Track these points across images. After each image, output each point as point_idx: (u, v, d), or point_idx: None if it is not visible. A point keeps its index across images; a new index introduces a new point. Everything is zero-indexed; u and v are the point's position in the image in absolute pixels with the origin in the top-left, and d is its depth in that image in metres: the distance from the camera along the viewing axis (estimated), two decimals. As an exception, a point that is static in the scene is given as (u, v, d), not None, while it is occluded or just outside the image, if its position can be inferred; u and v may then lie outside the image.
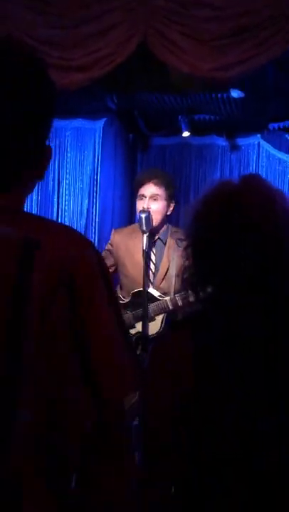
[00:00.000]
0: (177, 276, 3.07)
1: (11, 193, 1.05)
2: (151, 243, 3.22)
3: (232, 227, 1.24)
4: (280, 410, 1.21)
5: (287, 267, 1.24)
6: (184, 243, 1.35)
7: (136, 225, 3.39)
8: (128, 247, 3.30)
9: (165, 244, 3.27)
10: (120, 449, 1.02)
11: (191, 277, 1.33)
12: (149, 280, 3.20)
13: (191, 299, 2.94)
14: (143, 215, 3.08)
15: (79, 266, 0.99)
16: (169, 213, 3.30)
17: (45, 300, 0.96)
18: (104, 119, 4.69)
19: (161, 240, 3.29)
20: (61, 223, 1.13)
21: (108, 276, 1.06)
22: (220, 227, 1.26)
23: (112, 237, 3.45)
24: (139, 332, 3.14)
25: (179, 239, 3.07)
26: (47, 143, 1.09)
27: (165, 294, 3.19)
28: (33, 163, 1.07)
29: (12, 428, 0.97)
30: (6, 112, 1.00)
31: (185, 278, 1.35)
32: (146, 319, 3.02)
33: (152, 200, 3.21)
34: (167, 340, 1.34)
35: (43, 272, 0.96)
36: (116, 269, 3.37)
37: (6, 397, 0.96)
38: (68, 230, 1.07)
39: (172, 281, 3.14)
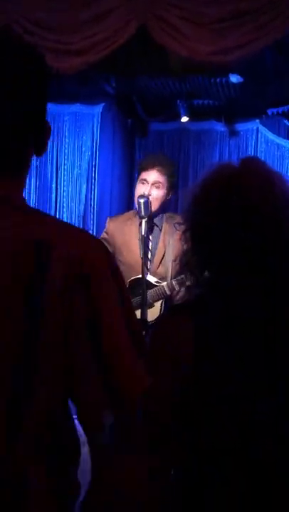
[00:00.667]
0: (174, 261, 3.06)
1: (12, 181, 1.05)
2: (148, 229, 3.19)
3: (231, 210, 1.24)
4: (279, 392, 1.22)
5: (287, 248, 1.24)
6: (182, 227, 1.34)
7: (131, 213, 3.40)
8: (124, 234, 3.28)
9: (161, 229, 3.26)
10: (135, 446, 1.03)
11: (189, 261, 1.34)
12: (146, 266, 3.17)
13: (188, 283, 2.93)
14: (142, 201, 3.06)
15: (92, 264, 1.00)
16: (166, 202, 3.30)
17: (64, 296, 0.97)
18: (103, 104, 4.67)
19: (157, 226, 3.27)
20: (72, 225, 1.13)
21: (119, 275, 1.06)
22: (219, 210, 1.26)
23: (107, 225, 3.43)
24: (138, 319, 3.10)
25: (177, 223, 3.03)
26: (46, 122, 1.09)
27: (162, 279, 3.19)
28: (33, 144, 1.08)
29: (24, 421, 0.97)
30: (6, 101, 1.01)
31: (183, 262, 1.35)
32: (145, 306, 3.01)
33: (154, 187, 3.19)
34: (167, 324, 1.35)
35: (59, 271, 0.97)
36: None
37: (19, 395, 0.97)
38: (79, 231, 1.08)
39: (169, 266, 3.14)
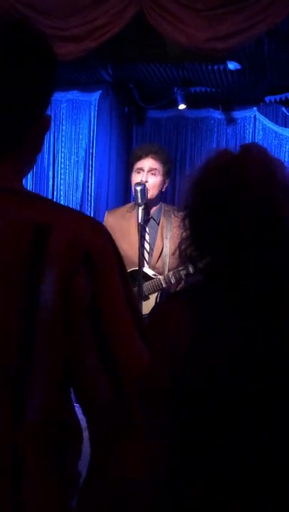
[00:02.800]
0: (172, 255, 3.07)
1: (9, 165, 1.04)
2: (145, 222, 3.19)
3: (229, 197, 1.24)
4: (276, 373, 1.22)
5: (284, 235, 1.24)
6: (181, 214, 1.34)
7: (129, 205, 3.39)
8: (122, 228, 3.25)
9: (158, 223, 3.24)
10: (135, 429, 1.01)
11: (188, 248, 1.33)
12: (145, 260, 3.18)
13: (183, 272, 2.88)
14: (138, 188, 3.05)
15: (95, 247, 0.99)
16: (163, 190, 3.29)
17: (65, 281, 0.96)
18: (100, 92, 4.65)
19: (155, 220, 3.26)
20: (72, 208, 1.12)
21: (121, 260, 1.04)
22: (216, 197, 1.25)
23: (105, 219, 3.42)
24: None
25: (176, 209, 3.08)
26: (46, 113, 1.08)
27: (160, 273, 3.18)
28: (32, 133, 1.06)
29: (27, 404, 0.97)
30: (10, 83, 1.00)
31: (182, 249, 1.34)
32: (140, 298, 3.00)
33: (150, 174, 3.19)
34: (164, 310, 1.35)
35: (60, 254, 0.96)
36: None
37: (21, 377, 0.97)
38: (81, 215, 1.07)
39: (167, 260, 3.15)
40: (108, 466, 1.00)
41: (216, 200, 1.25)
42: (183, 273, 3.00)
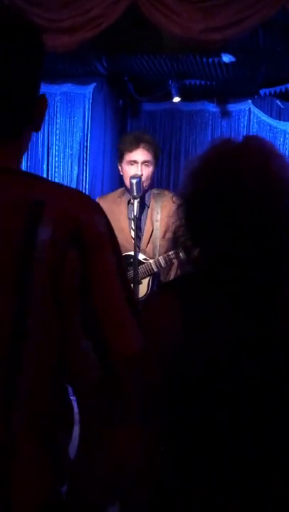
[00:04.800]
0: (162, 238, 3.08)
1: (8, 148, 1.05)
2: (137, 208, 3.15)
3: (224, 189, 1.23)
4: (268, 359, 1.22)
5: (281, 227, 1.23)
6: (177, 202, 1.33)
7: (119, 191, 3.36)
8: (113, 213, 3.18)
9: (148, 206, 3.21)
10: (127, 411, 1.00)
11: (181, 237, 1.32)
12: (138, 246, 3.14)
13: (173, 256, 2.88)
14: (134, 181, 3.02)
15: (87, 222, 0.98)
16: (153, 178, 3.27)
17: (55, 258, 0.95)
18: (94, 84, 4.65)
19: (145, 203, 3.23)
20: (66, 185, 1.10)
21: (115, 238, 1.04)
22: (211, 188, 1.24)
23: None
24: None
25: (174, 196, 3.04)
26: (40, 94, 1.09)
27: (150, 257, 3.18)
28: (30, 114, 1.07)
29: (17, 389, 0.97)
30: (7, 68, 1.00)
31: (176, 237, 1.33)
32: (136, 284, 3.02)
33: (144, 166, 3.15)
34: (156, 300, 1.35)
35: (51, 230, 0.95)
36: None
37: (12, 354, 0.96)
38: (74, 192, 1.06)
39: (157, 244, 3.13)
40: (99, 447, 0.99)
41: (212, 189, 1.24)
42: (173, 257, 2.99)
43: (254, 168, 1.22)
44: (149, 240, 3.19)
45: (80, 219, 0.97)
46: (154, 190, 3.26)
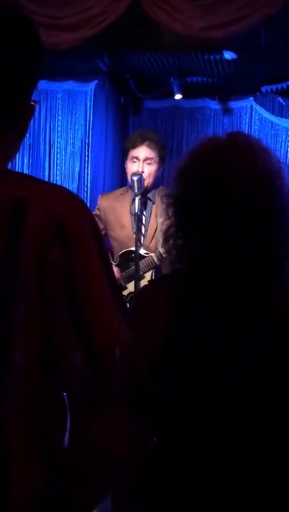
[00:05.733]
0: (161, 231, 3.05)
1: None
2: (142, 204, 3.23)
3: (211, 187, 1.23)
4: (257, 354, 1.23)
5: (265, 225, 1.23)
6: (166, 201, 1.34)
7: (123, 189, 3.41)
8: (115, 210, 3.30)
9: (154, 203, 3.27)
10: (114, 401, 1.01)
11: (171, 236, 1.33)
12: (139, 240, 3.20)
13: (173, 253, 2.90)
14: (135, 178, 3.06)
15: (71, 222, 0.98)
16: (159, 175, 3.30)
17: (40, 254, 0.95)
18: (96, 82, 4.62)
19: (151, 200, 3.29)
20: (51, 183, 1.12)
21: (100, 236, 1.04)
22: (199, 186, 1.25)
23: (99, 202, 3.45)
24: (131, 292, 3.18)
25: (163, 196, 3.04)
26: (31, 100, 1.08)
27: (153, 252, 3.21)
28: (16, 120, 1.05)
29: (6, 384, 0.97)
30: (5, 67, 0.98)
31: (166, 236, 1.34)
32: (137, 279, 3.04)
33: (146, 164, 3.20)
34: (145, 295, 1.37)
35: (36, 228, 0.95)
36: (105, 234, 3.39)
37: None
38: (59, 189, 1.05)
39: (160, 238, 2.98)
40: (85, 436, 1.00)
41: (200, 187, 1.24)
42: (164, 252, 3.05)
43: (241, 164, 1.22)
44: (153, 235, 3.23)
45: (64, 216, 0.97)
46: (161, 188, 3.29)
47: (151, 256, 3.17)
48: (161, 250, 3.09)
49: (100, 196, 3.50)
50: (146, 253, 3.21)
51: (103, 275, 1.00)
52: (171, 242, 1.33)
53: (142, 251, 3.21)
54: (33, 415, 1.00)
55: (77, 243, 0.98)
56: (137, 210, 3.07)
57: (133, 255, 3.11)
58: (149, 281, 3.12)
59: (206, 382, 1.22)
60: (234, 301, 1.24)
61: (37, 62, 1.04)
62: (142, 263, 3.17)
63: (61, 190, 1.04)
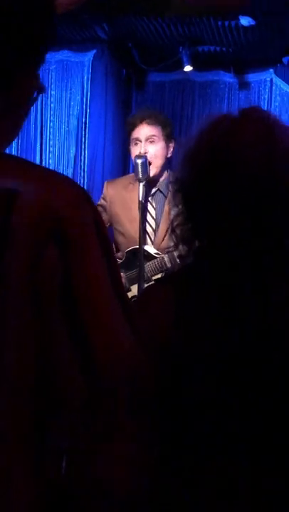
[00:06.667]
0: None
1: None
2: (150, 195, 3.19)
3: (222, 169, 1.23)
4: (262, 354, 1.24)
5: (282, 211, 1.23)
6: (174, 187, 1.34)
7: (131, 176, 3.36)
8: (124, 200, 3.27)
9: (166, 196, 3.20)
10: (118, 425, 0.99)
11: (181, 227, 1.33)
12: (149, 238, 3.18)
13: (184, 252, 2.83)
14: (139, 161, 3.03)
15: (70, 219, 0.96)
16: (169, 155, 3.23)
17: (32, 257, 0.94)
18: (94, 51, 4.59)
19: (162, 192, 3.24)
20: (47, 168, 1.10)
21: (104, 231, 1.02)
22: (209, 169, 1.25)
23: (104, 190, 3.39)
24: (135, 296, 3.12)
25: (170, 182, 3.03)
26: (36, 73, 1.07)
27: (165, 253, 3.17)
28: (14, 91, 1.03)
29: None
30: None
31: (174, 228, 1.34)
32: (142, 280, 3.01)
33: (149, 143, 3.17)
34: (149, 294, 1.39)
35: (26, 226, 0.93)
36: (109, 227, 3.33)
37: None
38: (56, 176, 1.03)
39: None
40: (83, 465, 0.99)
41: (213, 172, 1.24)
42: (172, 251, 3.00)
43: (255, 147, 1.23)
44: (166, 234, 3.15)
45: (61, 213, 0.95)
46: (171, 173, 3.19)
47: (163, 257, 3.11)
48: (175, 253, 2.97)
49: (106, 183, 3.44)
50: (158, 253, 3.15)
51: (107, 282, 0.98)
52: (179, 232, 1.33)
53: (152, 250, 3.16)
54: (26, 444, 0.99)
55: (77, 244, 0.96)
56: (141, 198, 3.02)
57: (145, 254, 3.07)
58: (155, 280, 3.06)
59: (212, 388, 1.24)
60: (246, 301, 1.25)
61: (46, 20, 1.03)
62: (151, 264, 3.13)
63: (58, 178, 1.02)
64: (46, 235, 0.94)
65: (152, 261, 3.13)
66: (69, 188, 1.01)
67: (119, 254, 3.26)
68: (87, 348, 0.96)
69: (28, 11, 1.00)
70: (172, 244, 3.04)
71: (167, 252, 3.11)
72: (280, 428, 1.26)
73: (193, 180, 1.28)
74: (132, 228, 3.15)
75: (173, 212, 1.35)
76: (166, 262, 3.10)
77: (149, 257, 3.12)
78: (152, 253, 3.15)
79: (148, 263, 3.12)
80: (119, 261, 3.20)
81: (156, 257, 3.14)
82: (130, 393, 1.00)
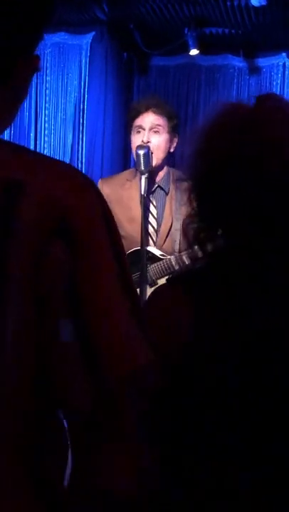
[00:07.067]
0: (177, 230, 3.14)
1: None
2: (150, 192, 3.15)
3: (242, 163, 1.23)
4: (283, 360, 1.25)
5: None
6: (185, 184, 1.34)
7: (128, 172, 3.38)
8: (122, 200, 3.21)
9: (167, 193, 3.21)
10: (126, 434, 1.01)
11: (195, 227, 1.33)
12: (151, 238, 3.15)
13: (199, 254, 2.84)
14: (141, 152, 3.00)
15: (77, 211, 0.96)
16: (171, 150, 3.21)
17: (36, 251, 0.94)
18: (93, 33, 4.56)
19: (162, 189, 3.22)
20: (54, 158, 1.10)
21: (114, 225, 1.03)
22: (227, 163, 1.24)
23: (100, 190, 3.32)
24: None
25: (178, 179, 3.05)
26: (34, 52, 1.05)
27: (169, 254, 3.16)
28: (12, 74, 1.02)
29: None
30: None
31: (188, 228, 1.34)
32: (144, 283, 3.00)
33: (153, 133, 3.13)
34: (165, 295, 1.38)
35: (30, 220, 0.94)
36: None
37: None
38: (63, 167, 1.05)
39: (177, 238, 3.12)
40: (94, 479, 1.01)
41: (230, 169, 1.24)
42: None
43: (280, 137, 1.22)
44: (168, 234, 3.15)
45: (67, 203, 0.96)
46: (176, 172, 3.20)
47: (169, 259, 3.07)
48: (184, 255, 3.01)
49: (100, 182, 3.36)
50: (163, 255, 3.10)
51: (118, 281, 0.99)
52: (192, 233, 1.34)
53: (157, 251, 3.11)
54: (26, 446, 0.99)
55: (85, 240, 0.96)
56: (143, 192, 2.99)
57: (149, 255, 3.06)
58: (168, 279, 3.00)
59: (217, 393, 1.26)
60: (250, 301, 1.26)
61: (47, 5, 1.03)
62: (156, 266, 3.10)
63: (65, 169, 1.04)
64: (52, 227, 0.95)
65: (157, 263, 3.10)
66: (74, 175, 1.02)
67: None
68: (93, 348, 0.97)
69: None
70: (176, 245, 3.10)
71: (174, 254, 3.11)
72: (280, 428, 1.27)
73: (210, 176, 1.28)
74: (133, 229, 3.09)
75: (183, 212, 1.34)
76: (174, 264, 3.07)
77: (154, 258, 3.10)
78: (157, 254, 3.11)
79: (152, 265, 3.10)
80: None
81: (161, 259, 3.11)
82: (137, 393, 1.02)
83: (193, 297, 1.29)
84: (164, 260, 3.11)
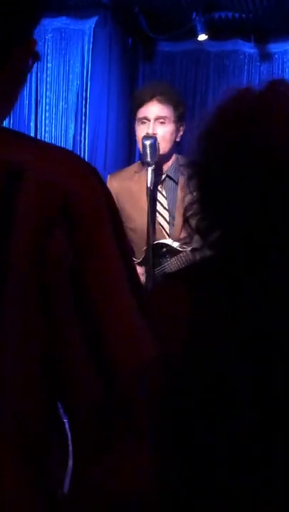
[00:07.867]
0: None
1: None
2: (159, 183, 3.17)
3: (247, 151, 1.22)
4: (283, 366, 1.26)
5: None
6: (188, 171, 1.33)
7: (136, 166, 3.38)
8: (132, 194, 3.23)
9: (177, 183, 3.20)
10: (137, 430, 1.01)
11: (196, 216, 1.33)
12: (165, 231, 3.15)
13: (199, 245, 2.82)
14: (147, 142, 2.99)
15: (79, 197, 0.98)
16: (178, 139, 3.21)
17: (38, 240, 0.95)
18: (96, 18, 4.59)
19: (172, 179, 3.22)
20: (56, 145, 1.11)
21: (118, 217, 1.04)
22: (231, 151, 1.24)
23: (108, 184, 3.35)
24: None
25: (181, 165, 3.03)
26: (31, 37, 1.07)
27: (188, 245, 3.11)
28: (9, 60, 1.03)
29: None
30: None
31: (188, 217, 1.35)
32: (150, 277, 3.01)
33: (158, 124, 3.13)
34: (161, 294, 1.38)
35: (31, 207, 0.95)
36: None
37: None
38: (65, 153, 1.06)
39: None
40: (100, 479, 1.00)
41: (229, 155, 1.24)
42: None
43: (286, 123, 1.22)
44: (183, 225, 3.09)
45: (69, 190, 0.97)
46: (181, 160, 3.17)
47: (188, 251, 3.06)
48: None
49: (109, 177, 3.36)
50: (182, 247, 3.07)
51: (122, 267, 1.00)
52: (194, 223, 1.34)
53: (175, 243, 3.10)
54: (28, 445, 1.01)
55: (88, 226, 0.97)
56: (149, 185, 3.00)
57: (164, 249, 3.07)
58: (165, 276, 2.98)
59: (216, 392, 1.26)
60: (249, 299, 1.26)
61: None
62: (176, 260, 3.09)
63: (67, 156, 1.05)
64: (52, 216, 0.96)
65: (178, 256, 3.10)
66: (76, 162, 1.03)
67: (134, 256, 3.23)
68: (101, 344, 0.98)
69: None
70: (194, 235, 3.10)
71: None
72: (281, 428, 1.27)
73: (212, 164, 1.27)
74: (143, 221, 3.10)
75: (187, 200, 1.34)
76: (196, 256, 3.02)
77: (173, 251, 3.09)
78: (175, 247, 3.11)
79: (172, 259, 3.10)
80: (136, 260, 3.17)
81: (180, 251, 3.11)
82: (147, 392, 1.02)
83: (192, 294, 1.30)
84: (184, 253, 3.09)
